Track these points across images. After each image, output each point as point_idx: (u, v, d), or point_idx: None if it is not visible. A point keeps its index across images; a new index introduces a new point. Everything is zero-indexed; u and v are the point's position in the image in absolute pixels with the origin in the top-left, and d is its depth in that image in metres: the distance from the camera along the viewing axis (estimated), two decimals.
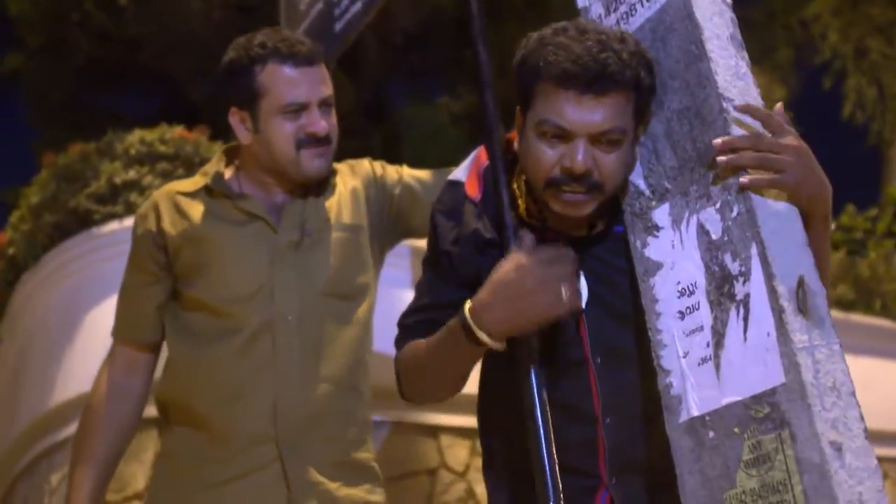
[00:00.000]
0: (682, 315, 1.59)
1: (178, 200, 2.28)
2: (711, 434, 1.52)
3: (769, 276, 1.46)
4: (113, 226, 4.37)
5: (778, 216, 1.50)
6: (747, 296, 1.49)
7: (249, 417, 2.15)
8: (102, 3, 7.37)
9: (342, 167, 2.37)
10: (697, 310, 1.56)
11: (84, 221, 4.44)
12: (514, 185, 1.74)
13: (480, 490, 4.17)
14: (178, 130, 4.75)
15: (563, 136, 1.60)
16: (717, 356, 1.52)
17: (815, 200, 1.53)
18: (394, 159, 2.56)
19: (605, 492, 1.69)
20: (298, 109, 2.19)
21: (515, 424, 1.64)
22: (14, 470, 4.63)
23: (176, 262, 2.24)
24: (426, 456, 4.26)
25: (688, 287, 1.58)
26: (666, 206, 1.64)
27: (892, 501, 3.67)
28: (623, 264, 1.70)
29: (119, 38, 7.71)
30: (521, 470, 1.64)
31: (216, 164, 2.32)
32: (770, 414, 1.44)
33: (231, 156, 2.35)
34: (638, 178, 1.69)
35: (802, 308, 1.45)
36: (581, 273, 1.69)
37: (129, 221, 4.22)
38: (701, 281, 1.57)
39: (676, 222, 1.62)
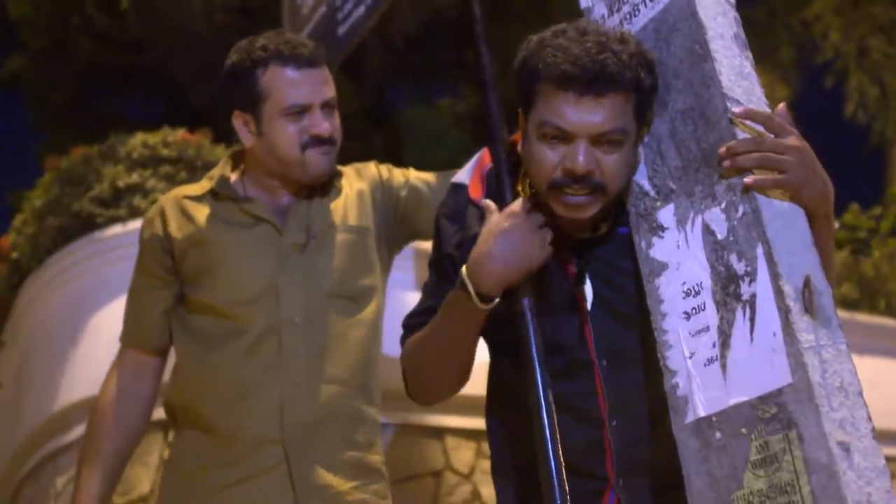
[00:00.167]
0: (687, 316, 1.58)
1: (185, 204, 2.29)
2: (718, 435, 1.51)
3: (775, 276, 1.46)
4: (116, 229, 4.37)
5: (783, 216, 1.50)
6: (753, 296, 1.48)
7: (255, 419, 2.15)
8: (104, 6, 7.36)
9: (348, 170, 2.38)
10: (703, 310, 1.56)
11: (87, 225, 4.44)
12: (519, 188, 1.74)
13: (486, 492, 4.17)
14: (180, 133, 4.75)
15: (563, 137, 1.60)
16: (723, 357, 1.52)
17: (817, 200, 1.53)
18: (396, 161, 2.56)
19: (612, 493, 1.69)
20: (301, 111, 2.19)
21: (522, 426, 1.64)
22: (19, 473, 4.63)
23: (182, 265, 2.25)
24: (431, 458, 4.25)
25: (693, 287, 1.58)
26: (671, 207, 1.63)
27: None
28: (628, 266, 1.70)
29: (121, 41, 7.70)
30: (529, 472, 1.63)
31: (221, 169, 2.33)
32: (777, 414, 1.43)
33: (237, 160, 2.36)
34: (642, 179, 1.68)
35: (809, 308, 1.44)
36: (586, 275, 1.69)
37: (132, 225, 4.23)
38: (706, 281, 1.56)
39: (681, 223, 1.61)
